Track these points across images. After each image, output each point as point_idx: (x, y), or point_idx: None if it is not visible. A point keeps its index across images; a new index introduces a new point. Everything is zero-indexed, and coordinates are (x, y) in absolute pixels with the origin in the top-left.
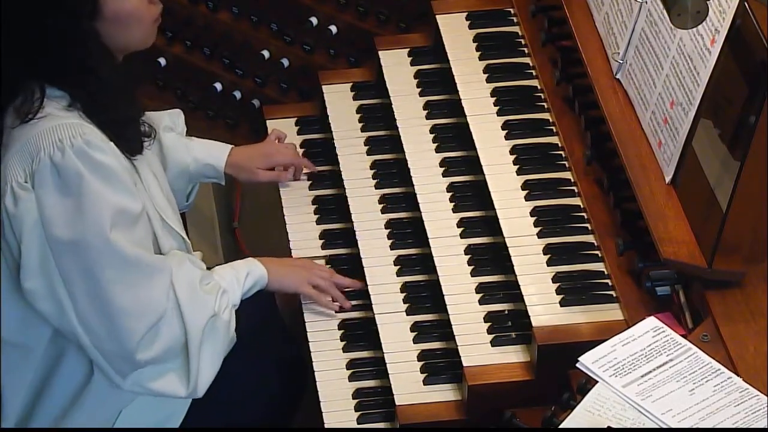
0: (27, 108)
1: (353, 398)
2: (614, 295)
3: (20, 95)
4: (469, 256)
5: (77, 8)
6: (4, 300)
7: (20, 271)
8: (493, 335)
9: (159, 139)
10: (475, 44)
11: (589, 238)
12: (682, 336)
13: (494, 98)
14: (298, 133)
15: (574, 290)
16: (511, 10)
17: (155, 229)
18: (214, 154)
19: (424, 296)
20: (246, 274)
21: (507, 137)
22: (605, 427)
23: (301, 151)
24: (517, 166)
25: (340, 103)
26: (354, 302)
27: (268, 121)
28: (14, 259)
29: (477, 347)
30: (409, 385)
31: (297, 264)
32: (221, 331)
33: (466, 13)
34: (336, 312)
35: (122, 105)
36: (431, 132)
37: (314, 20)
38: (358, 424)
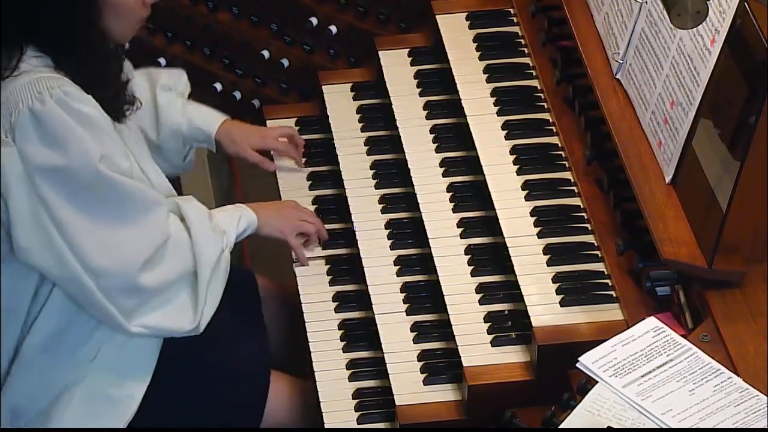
0: (4, 65)
1: (353, 398)
2: (614, 295)
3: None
4: (469, 256)
5: None
6: None
7: (11, 230)
8: (493, 335)
9: (154, 97)
10: (475, 44)
11: (589, 238)
12: (682, 336)
13: (494, 98)
14: (298, 133)
15: (574, 290)
16: (511, 10)
17: None
18: (208, 120)
19: (424, 296)
20: (239, 218)
21: (507, 137)
22: (605, 427)
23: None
24: (517, 166)
25: (340, 103)
26: (354, 303)
27: (268, 121)
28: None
29: (477, 347)
30: (409, 385)
31: (286, 211)
32: (224, 269)
33: (466, 13)
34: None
35: (107, 75)
36: (431, 132)
37: (314, 20)
38: (358, 424)
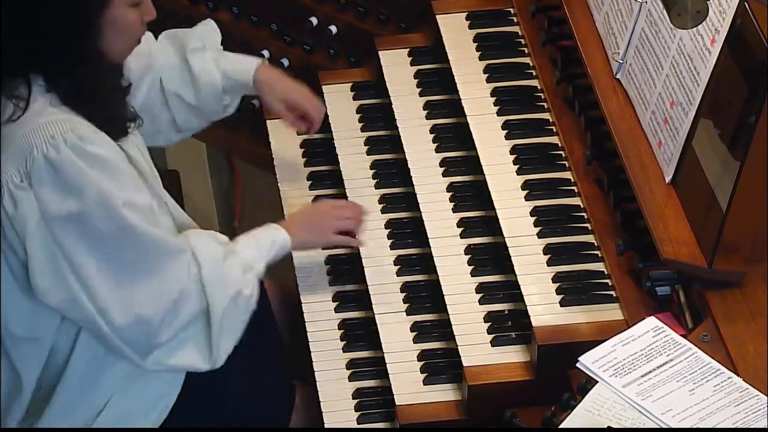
0: (10, 94)
1: (353, 398)
2: (614, 295)
3: (3, 89)
4: (469, 256)
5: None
6: (11, 298)
7: (29, 270)
8: (493, 335)
9: (186, 62)
10: (475, 44)
11: (589, 238)
12: (682, 336)
13: (494, 98)
14: (298, 133)
15: (574, 290)
16: (511, 10)
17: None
18: (243, 68)
19: (424, 296)
20: (270, 243)
21: (507, 137)
22: (605, 427)
23: (300, 151)
24: (517, 166)
25: (340, 103)
26: (354, 303)
27: (268, 122)
28: (18, 258)
29: (477, 347)
30: (409, 385)
31: (318, 218)
32: (242, 306)
33: (466, 13)
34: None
35: (106, 95)
36: (431, 132)
37: (314, 20)
38: (358, 424)
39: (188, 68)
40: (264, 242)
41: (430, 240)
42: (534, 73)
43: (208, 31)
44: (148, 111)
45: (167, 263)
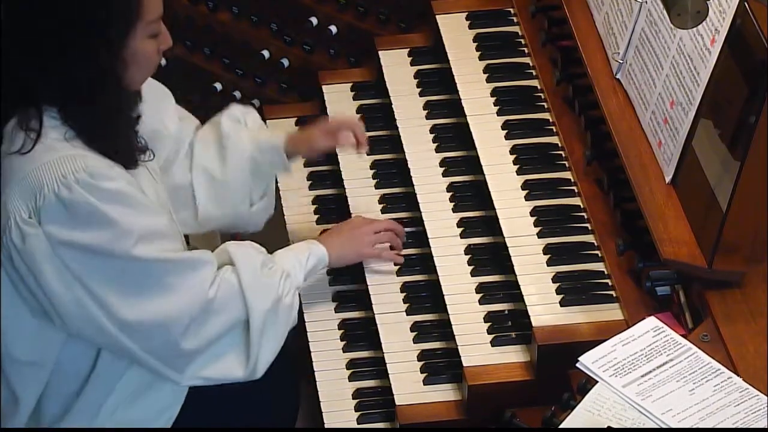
0: (23, 125)
1: (353, 398)
2: (614, 295)
3: (15, 117)
4: (469, 256)
5: (115, 26)
6: (18, 323)
7: (52, 304)
8: (493, 335)
9: (218, 127)
10: (475, 44)
11: (589, 238)
12: (682, 336)
13: (494, 98)
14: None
15: (574, 290)
16: (511, 10)
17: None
18: (274, 136)
19: (424, 296)
20: (307, 256)
21: (507, 137)
22: (605, 427)
23: None
24: (517, 166)
25: (340, 103)
26: (354, 303)
27: (268, 121)
28: (29, 288)
29: (477, 347)
30: (409, 385)
31: (354, 231)
32: (283, 314)
33: (466, 13)
34: (399, 264)
35: (119, 128)
36: (431, 132)
37: (314, 20)
38: (358, 424)
39: (219, 133)
40: (301, 254)
41: (430, 240)
42: (534, 73)
43: (246, 109)
44: (170, 181)
45: (186, 279)
